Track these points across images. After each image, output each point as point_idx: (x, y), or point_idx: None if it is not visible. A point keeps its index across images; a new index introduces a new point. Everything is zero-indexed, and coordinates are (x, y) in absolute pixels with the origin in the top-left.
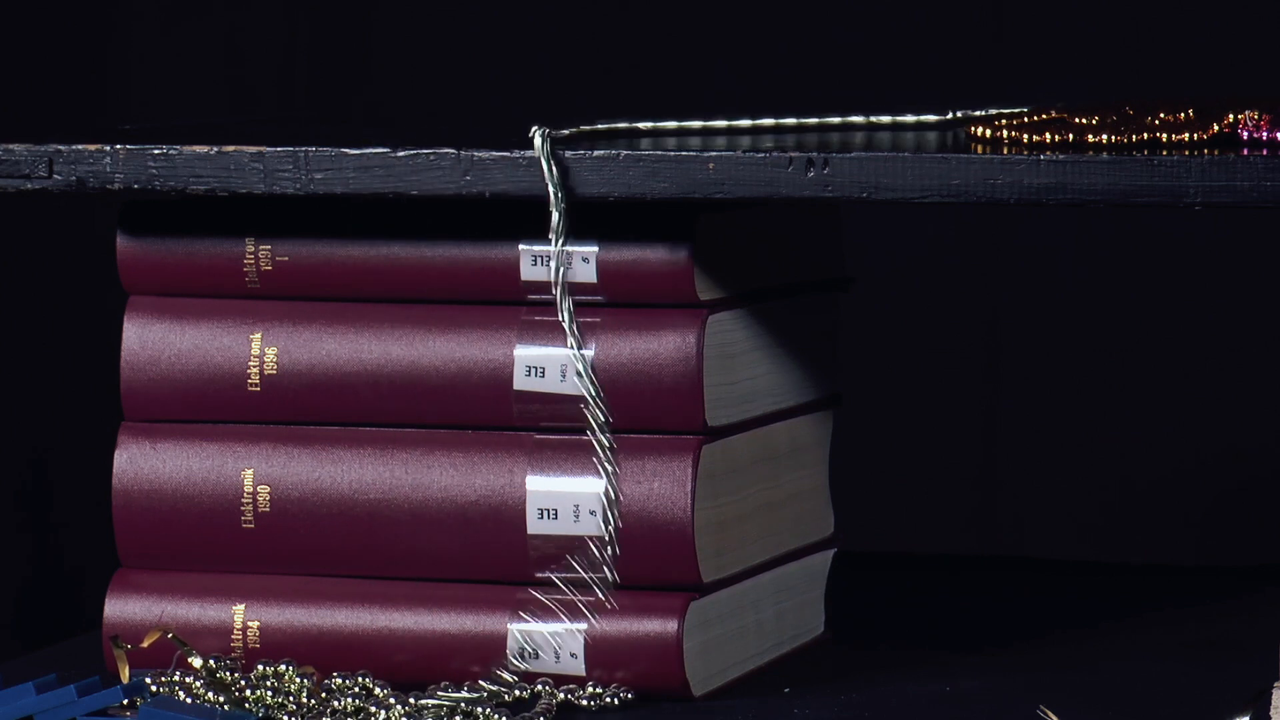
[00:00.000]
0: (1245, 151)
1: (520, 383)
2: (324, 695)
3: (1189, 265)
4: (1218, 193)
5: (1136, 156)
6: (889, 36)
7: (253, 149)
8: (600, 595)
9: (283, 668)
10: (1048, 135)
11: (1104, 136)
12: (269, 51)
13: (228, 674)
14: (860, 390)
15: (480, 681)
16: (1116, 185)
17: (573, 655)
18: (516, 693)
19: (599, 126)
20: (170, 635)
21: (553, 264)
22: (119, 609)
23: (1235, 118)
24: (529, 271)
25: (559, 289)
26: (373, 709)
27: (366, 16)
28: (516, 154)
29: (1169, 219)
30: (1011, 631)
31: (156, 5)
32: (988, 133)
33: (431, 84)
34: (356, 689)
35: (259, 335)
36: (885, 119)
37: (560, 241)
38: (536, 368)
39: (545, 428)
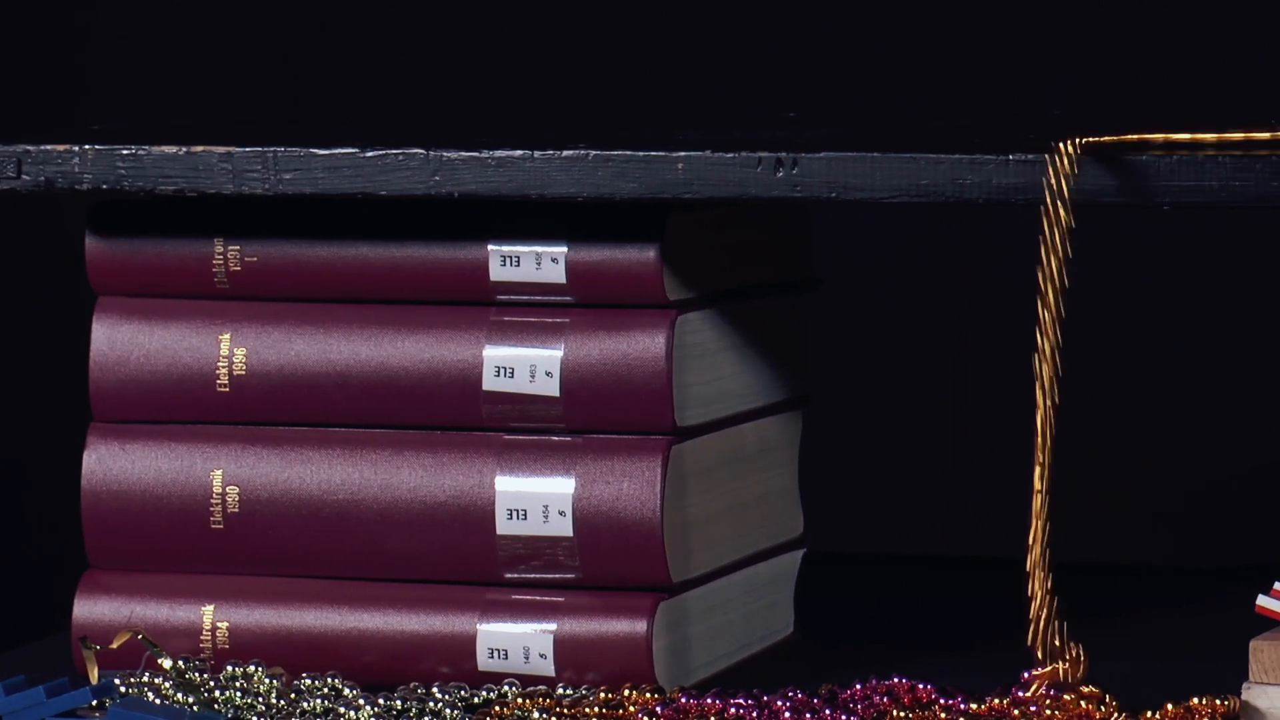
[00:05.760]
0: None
1: (489, 383)
2: (293, 696)
3: (1160, 265)
4: (1187, 192)
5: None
6: (888, 37)
7: (221, 149)
8: (568, 596)
9: (252, 668)
10: None
11: None
12: (242, 53)
13: (197, 675)
14: (831, 390)
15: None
16: (1087, 185)
17: (542, 655)
18: (484, 694)
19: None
20: (140, 636)
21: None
22: (88, 610)
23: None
24: (498, 272)
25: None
26: (342, 709)
27: (343, 16)
28: (484, 154)
29: (1138, 218)
30: (982, 631)
31: (129, 7)
32: None
33: (408, 86)
34: (326, 690)
35: (228, 336)
36: None
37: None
38: (505, 368)
39: (514, 428)
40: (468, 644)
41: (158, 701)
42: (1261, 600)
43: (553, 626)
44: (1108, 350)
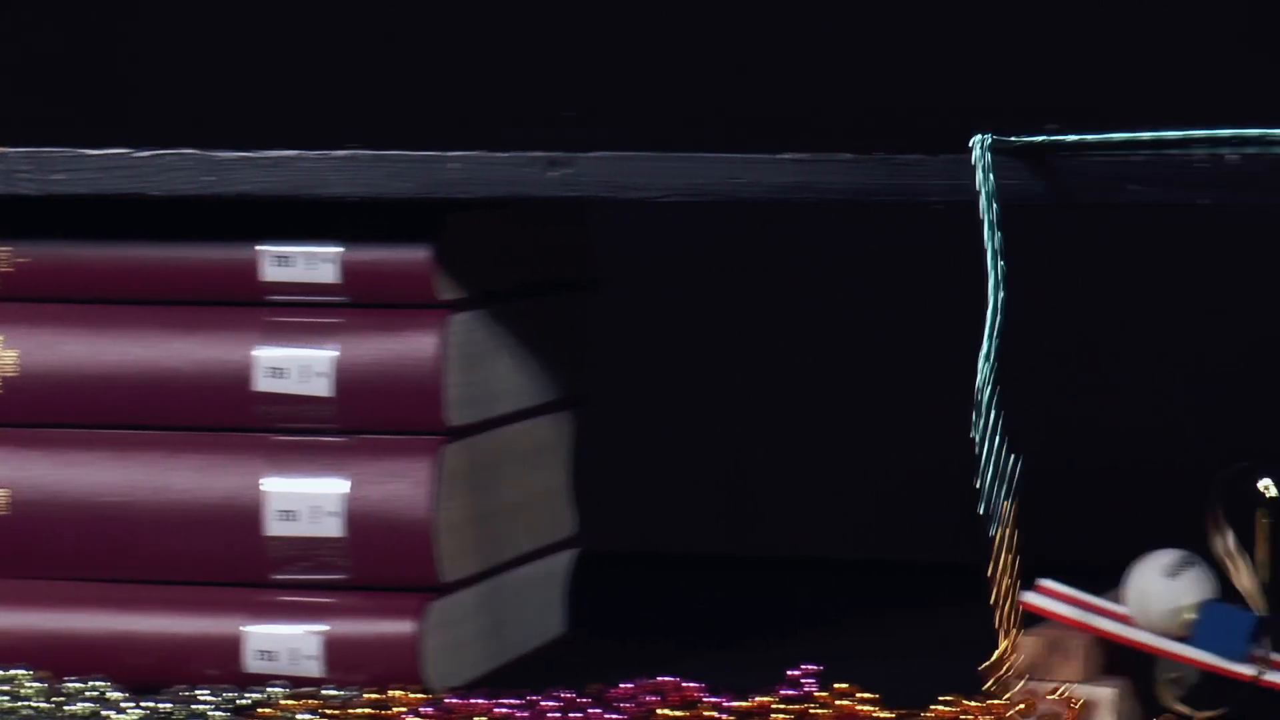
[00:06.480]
0: None
1: (261, 384)
2: (58, 700)
3: (939, 265)
4: (958, 192)
5: (877, 156)
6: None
7: None
8: (338, 597)
9: (17, 672)
10: None
11: None
12: (24, 53)
13: None
14: (608, 390)
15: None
16: (858, 185)
17: (309, 657)
18: (251, 695)
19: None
20: None
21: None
22: None
23: None
24: (270, 272)
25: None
26: (106, 713)
27: (128, 16)
28: (257, 154)
29: (914, 218)
30: (755, 630)
31: None
32: None
33: (189, 87)
34: (91, 693)
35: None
36: None
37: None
38: (277, 369)
39: (286, 429)
40: (236, 645)
41: None
42: (1027, 596)
43: (322, 628)
44: (885, 350)
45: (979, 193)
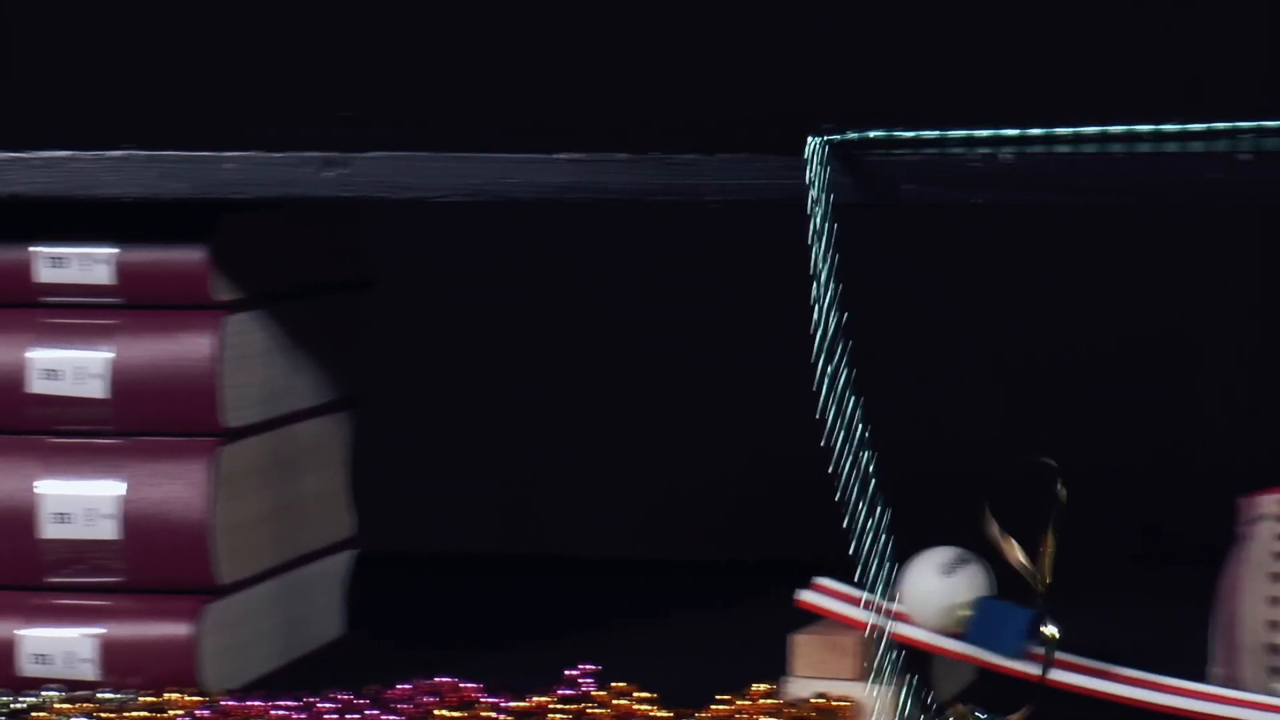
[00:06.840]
0: None
1: (35, 385)
2: None
3: (716, 264)
4: (734, 191)
5: (652, 156)
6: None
7: None
8: (114, 600)
9: None
10: None
11: None
12: None
13: None
14: (388, 390)
15: None
16: (634, 184)
17: (85, 660)
18: (27, 699)
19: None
20: None
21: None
22: None
23: None
24: (44, 273)
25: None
26: None
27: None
28: (30, 155)
29: (690, 218)
30: (535, 629)
31: None
32: None
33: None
34: None
35: None
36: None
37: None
38: (51, 370)
39: (61, 431)
40: (10, 649)
41: None
42: (802, 595)
43: (97, 630)
44: (664, 352)
45: (812, 192)
